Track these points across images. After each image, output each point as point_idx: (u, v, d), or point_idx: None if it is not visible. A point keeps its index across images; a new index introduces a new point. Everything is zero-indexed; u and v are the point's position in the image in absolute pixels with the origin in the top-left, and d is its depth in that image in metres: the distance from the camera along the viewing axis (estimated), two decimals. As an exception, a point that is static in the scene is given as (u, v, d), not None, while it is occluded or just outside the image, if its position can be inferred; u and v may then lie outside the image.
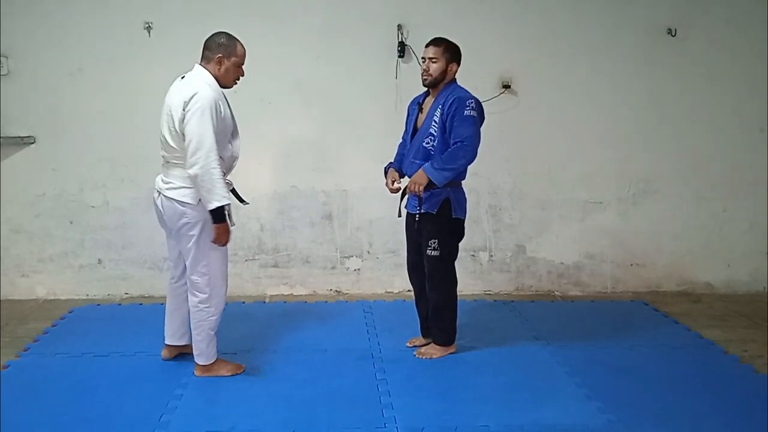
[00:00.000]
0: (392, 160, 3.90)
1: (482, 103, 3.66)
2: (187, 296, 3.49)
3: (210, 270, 3.38)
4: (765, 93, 4.90)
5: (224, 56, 3.30)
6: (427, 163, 3.57)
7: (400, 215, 3.86)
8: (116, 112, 4.66)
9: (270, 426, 3.03)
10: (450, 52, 3.61)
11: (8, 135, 4.62)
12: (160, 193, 3.39)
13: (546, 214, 5.00)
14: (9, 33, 4.53)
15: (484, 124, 3.66)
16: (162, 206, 3.39)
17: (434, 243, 3.64)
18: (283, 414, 3.14)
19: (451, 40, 3.65)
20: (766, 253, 5.08)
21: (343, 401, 3.26)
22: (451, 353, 3.80)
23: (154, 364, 3.66)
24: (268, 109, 4.73)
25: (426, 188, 3.58)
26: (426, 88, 3.73)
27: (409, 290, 4.17)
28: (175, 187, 3.32)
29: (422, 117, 3.71)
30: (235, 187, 3.48)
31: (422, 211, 3.64)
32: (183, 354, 3.67)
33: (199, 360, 3.47)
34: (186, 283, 3.49)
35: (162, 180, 3.40)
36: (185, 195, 3.30)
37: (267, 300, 4.87)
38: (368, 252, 4.97)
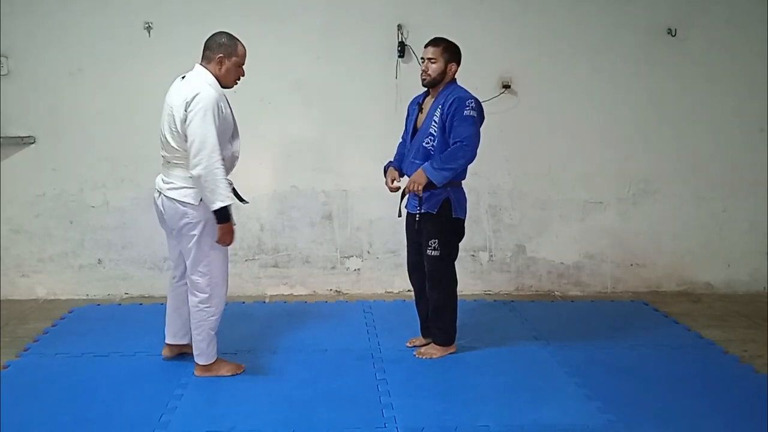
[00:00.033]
0: (392, 159, 3.90)
1: (482, 103, 3.66)
2: (188, 296, 3.49)
3: (211, 270, 3.38)
4: (765, 93, 4.90)
5: (225, 56, 3.30)
6: (426, 163, 3.57)
7: (400, 215, 3.86)
8: (116, 112, 4.66)
9: (270, 426, 3.03)
10: (449, 52, 3.60)
11: (8, 135, 4.62)
12: (160, 193, 3.39)
13: (546, 214, 5.00)
14: (9, 33, 4.53)
15: (484, 124, 3.66)
16: (163, 206, 3.38)
17: (434, 243, 3.64)
18: (283, 414, 3.14)
19: (450, 39, 3.65)
20: (766, 253, 5.08)
21: (343, 401, 3.26)
22: (451, 353, 3.80)
23: (154, 364, 3.66)
24: (268, 109, 4.73)
25: (425, 188, 3.58)
26: (425, 88, 3.73)
27: (409, 290, 4.18)
28: (176, 187, 3.32)
29: (422, 117, 3.71)
30: (235, 187, 3.48)
31: (422, 211, 3.64)
32: (183, 353, 3.67)
33: (200, 360, 3.47)
34: (187, 282, 3.49)
35: (162, 180, 3.40)
36: (186, 195, 3.30)
37: (267, 300, 4.87)
38: (368, 252, 4.97)
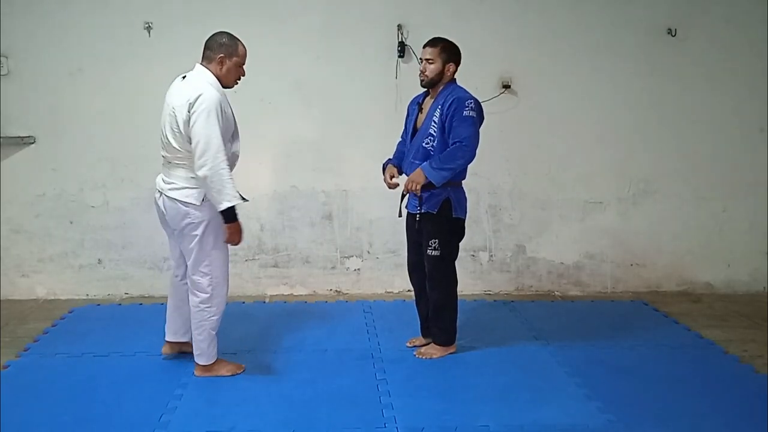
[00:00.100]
0: (391, 157, 3.90)
1: (482, 103, 3.66)
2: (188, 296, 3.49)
3: (212, 270, 3.38)
4: (765, 93, 4.90)
5: (226, 56, 3.30)
6: (425, 163, 3.57)
7: (400, 215, 3.86)
8: (116, 112, 4.66)
9: (270, 426, 3.03)
10: (447, 52, 3.60)
11: (8, 135, 4.62)
12: (161, 193, 3.38)
13: (546, 214, 5.00)
14: (9, 33, 4.53)
15: (483, 124, 3.66)
16: (164, 206, 3.38)
17: (435, 243, 3.64)
18: (283, 414, 3.14)
19: (449, 39, 3.64)
20: (766, 253, 5.08)
21: (343, 401, 3.26)
22: (451, 353, 3.80)
23: (154, 364, 3.66)
24: (268, 109, 4.73)
25: (424, 188, 3.58)
26: (425, 89, 3.73)
27: (409, 290, 4.18)
28: (177, 187, 3.32)
29: (422, 117, 3.71)
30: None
31: (423, 211, 3.64)
32: (183, 351, 3.67)
33: (200, 360, 3.47)
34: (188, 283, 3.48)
35: (163, 180, 3.40)
36: (188, 195, 3.30)
37: (267, 300, 4.87)
38: (368, 252, 4.97)
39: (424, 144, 3.62)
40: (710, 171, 5.00)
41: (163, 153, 3.38)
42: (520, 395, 3.34)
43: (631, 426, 3.06)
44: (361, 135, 4.80)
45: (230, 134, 3.36)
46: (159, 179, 3.44)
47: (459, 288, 3.80)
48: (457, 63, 3.63)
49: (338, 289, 4.98)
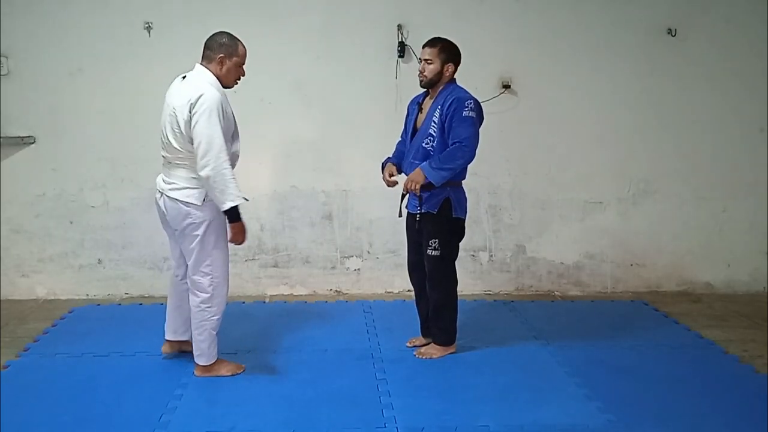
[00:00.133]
0: (390, 156, 3.90)
1: (482, 103, 3.66)
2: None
3: (213, 270, 3.38)
4: (765, 93, 4.90)
5: (226, 56, 3.30)
6: (425, 162, 3.57)
7: (400, 215, 3.86)
8: (116, 112, 4.66)
9: (270, 426, 3.03)
10: (445, 52, 3.59)
11: (8, 135, 4.62)
12: (162, 193, 3.38)
13: (546, 214, 5.00)
14: (9, 33, 4.53)
15: (483, 124, 3.66)
16: (165, 207, 3.38)
17: (435, 243, 3.64)
18: (283, 414, 3.14)
19: (449, 39, 3.64)
20: (766, 253, 5.08)
21: (343, 401, 3.26)
22: (451, 353, 3.80)
23: (154, 364, 3.66)
24: (268, 109, 4.73)
25: (424, 188, 3.58)
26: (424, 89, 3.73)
27: (409, 290, 4.18)
28: (178, 187, 3.32)
29: (422, 117, 3.70)
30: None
31: (423, 210, 3.64)
32: (183, 350, 3.67)
33: (200, 360, 3.47)
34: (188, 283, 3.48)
35: (164, 180, 3.40)
36: (189, 195, 3.30)
37: (267, 300, 4.87)
38: (368, 252, 4.97)
39: (423, 144, 3.62)
40: (710, 171, 5.00)
41: (164, 153, 3.38)
42: (520, 395, 3.34)
43: (631, 426, 3.06)
44: (361, 135, 4.80)
45: (230, 134, 3.36)
46: (159, 179, 3.44)
47: (459, 288, 3.80)
48: (456, 63, 3.63)
49: (338, 289, 4.98)
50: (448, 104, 3.55)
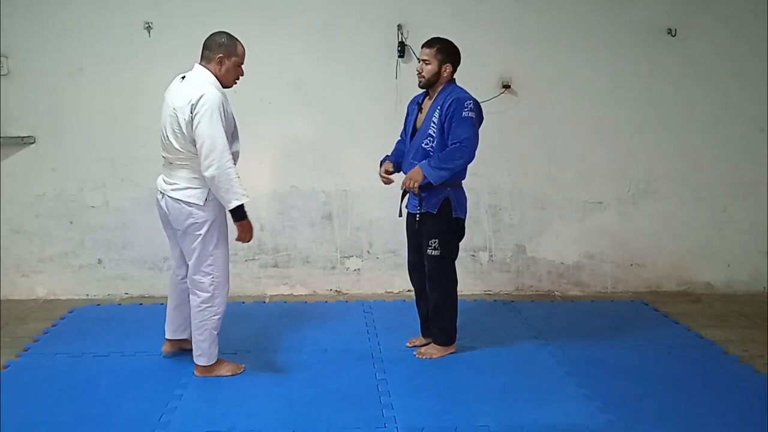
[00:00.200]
0: (388, 154, 3.89)
1: (482, 104, 3.66)
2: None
3: (214, 269, 3.38)
4: (765, 93, 4.90)
5: (225, 56, 3.30)
6: (424, 161, 3.56)
7: (401, 215, 3.86)
8: (116, 112, 4.66)
9: (270, 426, 3.03)
10: (443, 53, 3.59)
11: (8, 135, 4.62)
12: (164, 194, 3.38)
13: (546, 214, 5.00)
14: (9, 33, 4.53)
15: (483, 124, 3.66)
16: (167, 207, 3.38)
17: (435, 242, 3.64)
18: (283, 414, 3.14)
19: (448, 40, 3.63)
20: (766, 253, 5.08)
21: (343, 401, 3.26)
22: (451, 353, 3.80)
23: (154, 364, 3.66)
24: (268, 109, 4.73)
25: (422, 188, 3.58)
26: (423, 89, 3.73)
27: (409, 290, 4.18)
28: (180, 188, 3.32)
29: (421, 117, 3.70)
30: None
31: (423, 210, 3.64)
32: (183, 349, 3.66)
33: (200, 360, 3.47)
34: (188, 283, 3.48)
35: (165, 181, 3.40)
36: (191, 196, 3.30)
37: (267, 300, 4.87)
38: (368, 252, 4.97)
39: (423, 145, 3.62)
40: (710, 171, 5.00)
41: (164, 154, 3.37)
42: (520, 395, 3.34)
43: (631, 426, 3.06)
44: (361, 135, 4.79)
45: (231, 134, 3.36)
46: (160, 180, 3.44)
47: (459, 288, 3.80)
48: (455, 64, 3.62)
49: (338, 289, 4.98)
50: (447, 105, 3.55)
